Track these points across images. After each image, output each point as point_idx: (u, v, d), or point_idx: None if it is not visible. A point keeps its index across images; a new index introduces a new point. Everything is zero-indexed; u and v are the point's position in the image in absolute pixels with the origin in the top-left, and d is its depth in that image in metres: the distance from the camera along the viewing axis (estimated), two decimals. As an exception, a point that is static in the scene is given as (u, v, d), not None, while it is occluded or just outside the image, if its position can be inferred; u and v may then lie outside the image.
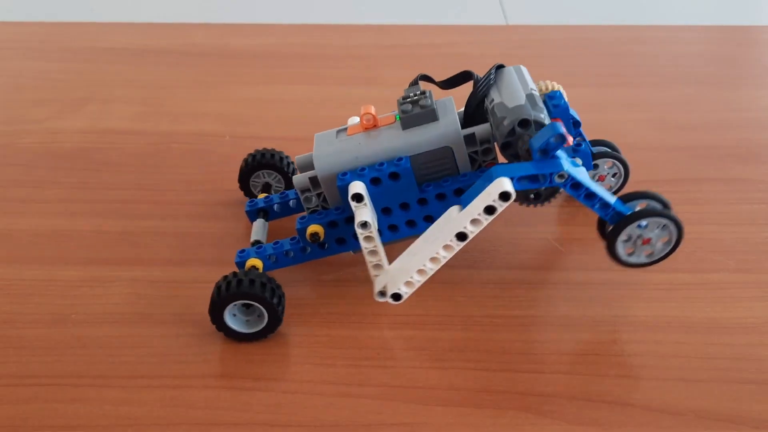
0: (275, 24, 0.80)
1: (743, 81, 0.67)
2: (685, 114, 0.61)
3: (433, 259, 0.39)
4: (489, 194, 0.37)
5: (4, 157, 0.58)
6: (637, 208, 0.39)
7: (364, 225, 0.39)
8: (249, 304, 0.40)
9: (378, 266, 0.40)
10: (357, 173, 0.41)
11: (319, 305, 0.44)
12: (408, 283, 0.39)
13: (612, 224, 0.39)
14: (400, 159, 0.41)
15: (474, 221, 0.38)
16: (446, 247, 0.38)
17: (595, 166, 0.48)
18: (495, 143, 0.41)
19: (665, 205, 0.39)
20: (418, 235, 0.41)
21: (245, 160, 0.50)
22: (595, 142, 0.49)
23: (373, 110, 0.42)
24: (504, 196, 0.37)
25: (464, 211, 0.38)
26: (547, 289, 0.44)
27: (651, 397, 0.38)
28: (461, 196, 0.39)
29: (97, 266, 0.47)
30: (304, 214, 0.44)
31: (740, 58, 0.72)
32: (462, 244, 0.38)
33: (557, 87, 0.42)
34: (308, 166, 0.44)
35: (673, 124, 0.60)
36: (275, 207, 0.48)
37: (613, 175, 0.48)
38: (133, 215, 0.51)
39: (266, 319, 0.40)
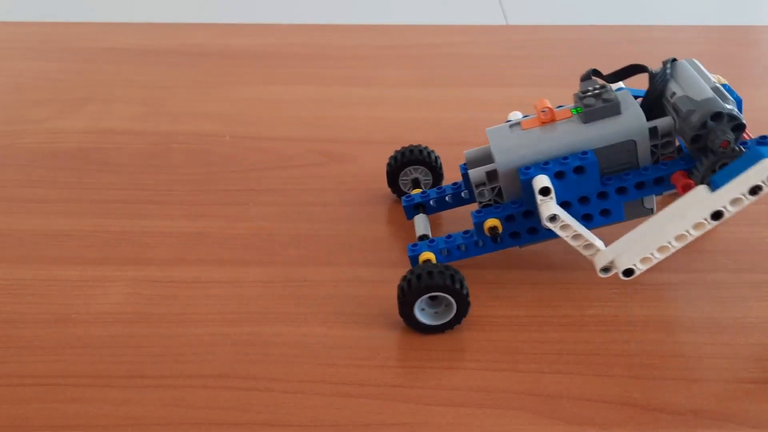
0: (275, 24, 0.80)
1: (743, 81, 0.67)
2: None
3: (680, 237, 0.38)
4: (758, 174, 0.36)
5: (4, 157, 0.58)
6: None
7: (553, 218, 0.39)
8: (434, 296, 0.40)
9: (589, 246, 0.40)
10: (540, 167, 0.41)
11: (318, 305, 0.44)
12: (645, 260, 0.39)
13: None
14: (585, 153, 0.41)
15: (735, 201, 0.37)
16: (697, 225, 0.37)
17: None
18: (676, 136, 0.41)
19: None
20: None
21: (392, 158, 0.50)
22: None
23: (548, 104, 0.42)
24: None
25: (723, 189, 0.37)
26: (548, 288, 0.44)
27: (651, 396, 0.38)
28: (712, 176, 0.38)
29: (98, 266, 0.47)
30: (474, 208, 0.44)
31: (740, 58, 0.72)
32: (716, 224, 0.37)
33: (723, 80, 0.42)
34: (479, 160, 0.44)
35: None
36: (431, 202, 0.48)
37: None
38: (134, 215, 0.51)
39: (455, 309, 0.40)
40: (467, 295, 0.40)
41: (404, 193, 0.51)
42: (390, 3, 0.90)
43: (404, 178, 0.51)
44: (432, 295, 0.40)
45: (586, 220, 0.42)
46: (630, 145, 0.41)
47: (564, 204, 0.41)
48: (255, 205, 0.52)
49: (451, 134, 0.60)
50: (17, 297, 0.45)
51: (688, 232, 0.38)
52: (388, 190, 0.53)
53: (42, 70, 0.71)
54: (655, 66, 0.43)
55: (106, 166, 0.57)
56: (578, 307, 0.43)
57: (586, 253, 0.40)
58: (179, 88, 0.67)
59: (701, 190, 0.38)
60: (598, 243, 0.40)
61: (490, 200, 0.43)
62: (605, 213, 0.42)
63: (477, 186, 0.43)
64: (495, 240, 0.43)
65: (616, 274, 0.40)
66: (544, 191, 0.40)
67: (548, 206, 0.39)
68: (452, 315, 0.41)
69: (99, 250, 0.48)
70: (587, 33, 0.76)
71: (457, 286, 0.40)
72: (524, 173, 0.41)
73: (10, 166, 0.57)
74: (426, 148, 0.51)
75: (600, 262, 0.40)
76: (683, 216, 0.38)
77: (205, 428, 0.37)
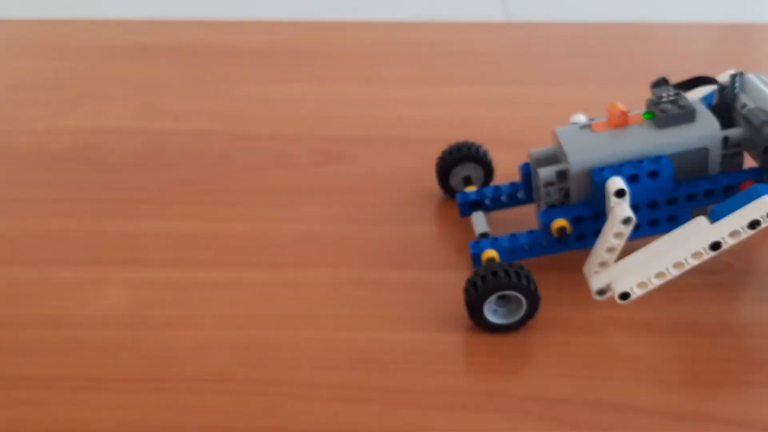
0: (273, 21, 0.80)
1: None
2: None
3: (678, 265, 0.38)
4: (756, 209, 0.37)
5: (0, 156, 0.58)
6: None
7: (628, 221, 0.39)
8: (502, 295, 0.40)
9: (604, 264, 0.40)
10: (615, 169, 0.40)
11: (316, 307, 0.43)
12: (642, 285, 0.39)
13: None
14: (659, 157, 0.41)
15: (734, 233, 0.38)
16: (696, 254, 0.38)
17: None
18: (744, 147, 0.42)
19: None
20: (650, 237, 0.41)
21: (443, 155, 0.50)
22: None
23: (622, 107, 0.42)
24: None
25: (723, 221, 0.38)
26: (548, 290, 0.44)
27: (654, 399, 0.37)
28: (713, 208, 0.39)
29: (94, 267, 0.46)
30: (529, 209, 0.44)
31: (741, 57, 0.72)
32: (713, 254, 0.38)
33: None
34: (545, 160, 0.44)
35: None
36: (486, 201, 0.48)
37: None
38: (131, 215, 0.51)
39: (525, 307, 0.40)
40: (536, 290, 0.40)
41: (454, 191, 0.50)
42: (389, 0, 0.89)
43: (454, 174, 0.50)
44: (501, 294, 0.40)
45: (653, 225, 0.42)
46: (702, 153, 0.41)
47: (632, 208, 0.41)
48: (252, 204, 0.52)
49: (452, 132, 0.59)
50: (11, 299, 0.44)
51: (686, 260, 0.38)
52: (387, 189, 0.52)
53: (37, 68, 0.71)
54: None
55: (101, 166, 0.56)
56: (582, 310, 0.42)
57: (597, 269, 0.40)
58: (176, 86, 0.67)
59: (701, 221, 0.39)
60: (610, 266, 0.40)
61: (556, 201, 0.43)
62: (672, 219, 0.42)
63: (545, 185, 0.43)
64: (561, 241, 0.43)
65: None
66: (620, 193, 0.39)
67: (623, 208, 0.39)
68: (522, 313, 0.40)
69: (94, 251, 0.48)
70: (589, 30, 0.76)
71: (529, 284, 0.39)
72: (598, 175, 0.41)
73: (3, 165, 0.57)
74: (478, 144, 0.50)
75: (596, 284, 0.40)
76: (683, 245, 0.38)
77: (202, 432, 0.36)
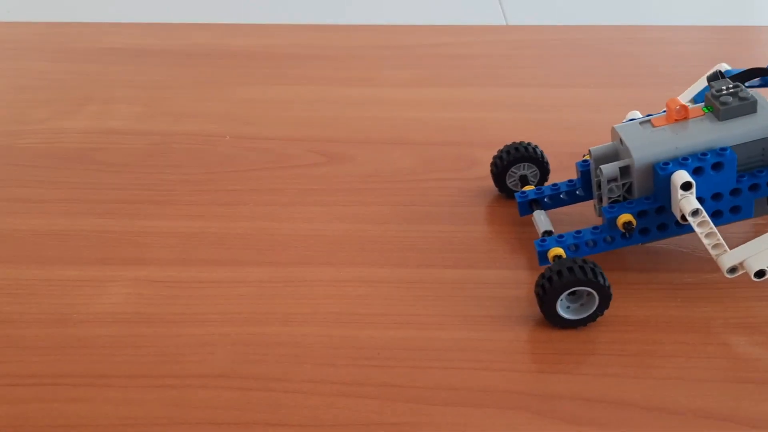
0: (276, 24, 0.80)
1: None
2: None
3: None
4: None
5: (6, 157, 0.58)
6: None
7: (696, 213, 0.40)
8: (573, 290, 0.40)
9: (718, 245, 0.41)
10: (679, 162, 0.41)
11: (316, 305, 0.44)
12: None
13: None
14: (723, 149, 0.41)
15: None
16: None
17: None
18: None
19: None
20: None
21: (499, 156, 0.50)
22: None
23: (682, 102, 0.42)
24: None
25: None
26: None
27: (650, 396, 0.38)
28: None
29: (98, 266, 0.47)
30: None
31: (740, 58, 0.72)
32: None
33: None
34: (606, 157, 0.44)
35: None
36: (546, 199, 0.48)
37: None
38: (135, 215, 0.51)
39: (597, 303, 0.40)
40: (609, 287, 0.40)
41: (512, 191, 0.51)
42: (389, 4, 0.90)
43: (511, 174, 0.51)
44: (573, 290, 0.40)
45: (716, 216, 0.43)
46: (765, 144, 0.42)
47: (698, 200, 0.41)
48: (255, 205, 0.52)
49: (452, 134, 0.60)
50: (17, 297, 0.45)
51: None
52: (385, 189, 0.53)
53: (43, 70, 0.71)
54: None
55: (106, 166, 0.57)
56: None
57: (714, 252, 0.41)
58: (180, 88, 0.67)
59: None
60: (725, 245, 0.41)
61: (619, 196, 0.44)
62: (735, 210, 0.43)
63: (609, 181, 0.43)
64: (627, 236, 0.43)
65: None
66: (686, 186, 0.40)
67: (690, 201, 0.40)
68: (593, 309, 0.41)
69: (99, 250, 0.48)
70: (587, 33, 0.76)
71: (603, 280, 0.40)
72: (662, 169, 0.41)
73: (10, 165, 0.57)
74: (531, 144, 0.50)
75: (728, 263, 0.40)
76: None
77: (204, 428, 0.37)
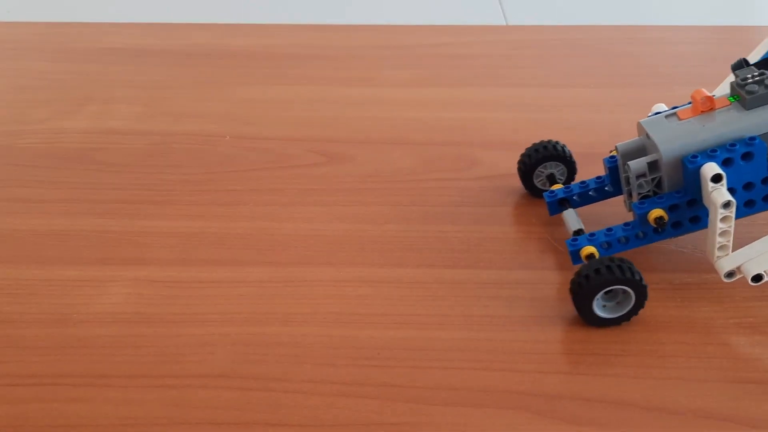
0: (276, 24, 0.80)
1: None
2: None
3: None
4: None
5: (6, 157, 0.58)
6: None
7: (727, 205, 0.39)
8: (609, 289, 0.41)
9: (724, 247, 0.41)
10: (708, 154, 0.41)
11: (317, 305, 0.44)
12: None
13: None
14: (752, 138, 0.41)
15: None
16: None
17: None
18: None
19: None
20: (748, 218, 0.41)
21: (527, 154, 0.50)
22: None
23: (707, 93, 0.42)
24: None
25: None
26: (547, 289, 0.44)
27: (650, 396, 0.38)
28: None
29: (98, 266, 0.47)
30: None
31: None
32: None
33: None
34: (633, 152, 0.44)
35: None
36: (575, 197, 0.48)
37: None
38: (135, 215, 0.51)
39: (633, 300, 0.40)
40: (646, 286, 0.40)
41: (539, 191, 0.51)
42: (389, 3, 0.90)
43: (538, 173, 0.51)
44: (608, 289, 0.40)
45: (749, 206, 0.42)
46: None
47: (729, 191, 0.41)
48: (255, 205, 0.52)
49: (452, 134, 0.60)
50: (17, 297, 0.45)
51: None
52: (385, 189, 0.53)
53: (42, 70, 0.71)
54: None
55: (106, 166, 0.57)
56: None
57: (719, 253, 0.41)
58: (180, 88, 0.67)
59: None
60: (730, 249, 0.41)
61: (648, 191, 0.43)
62: None
63: (637, 177, 0.43)
64: (659, 230, 0.43)
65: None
66: (716, 178, 0.40)
67: (721, 193, 0.39)
68: (630, 307, 0.41)
69: (99, 250, 0.48)
70: (587, 33, 0.76)
71: (639, 278, 0.40)
72: (691, 162, 0.41)
73: (10, 165, 0.57)
74: (558, 142, 0.50)
75: (726, 266, 0.40)
76: None
77: (204, 428, 0.37)
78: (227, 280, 0.46)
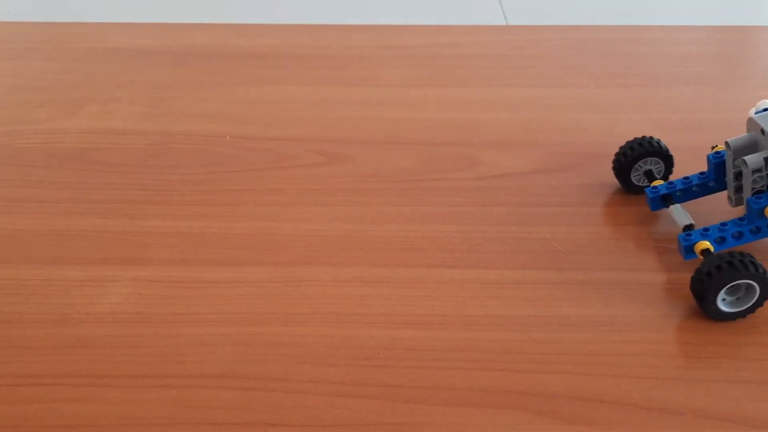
0: (276, 24, 0.80)
1: (743, 81, 0.67)
2: (685, 114, 0.61)
3: None
4: None
5: (5, 157, 0.58)
6: None
7: None
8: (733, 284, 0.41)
9: None
10: None
11: (317, 305, 0.44)
12: None
13: None
14: None
15: None
16: None
17: None
18: None
19: None
20: None
21: (623, 152, 0.50)
22: None
23: None
24: None
25: None
26: (547, 289, 0.44)
27: (650, 396, 0.38)
28: None
29: (98, 266, 0.47)
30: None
31: (740, 58, 0.72)
32: None
33: None
34: (745, 148, 0.44)
35: (672, 124, 0.60)
36: (677, 193, 0.48)
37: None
38: (135, 215, 0.51)
39: (757, 294, 0.40)
40: None
41: (635, 187, 0.51)
42: (389, 4, 0.90)
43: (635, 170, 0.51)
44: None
45: None
46: None
47: None
48: (255, 205, 0.52)
49: (452, 134, 0.60)
50: (17, 297, 0.45)
51: None
52: (385, 189, 0.53)
53: (42, 70, 0.71)
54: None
55: (106, 166, 0.57)
56: (578, 307, 0.43)
57: None
58: (180, 88, 0.67)
59: None
60: None
61: (763, 186, 0.44)
62: None
63: (753, 172, 0.43)
64: None
65: None
66: None
67: None
68: (753, 300, 0.41)
69: (99, 250, 0.48)
70: (587, 33, 0.76)
71: (764, 273, 0.40)
72: None
73: (10, 166, 0.57)
74: (653, 138, 0.50)
75: None
76: None
77: (204, 428, 0.37)
78: (227, 280, 0.46)
